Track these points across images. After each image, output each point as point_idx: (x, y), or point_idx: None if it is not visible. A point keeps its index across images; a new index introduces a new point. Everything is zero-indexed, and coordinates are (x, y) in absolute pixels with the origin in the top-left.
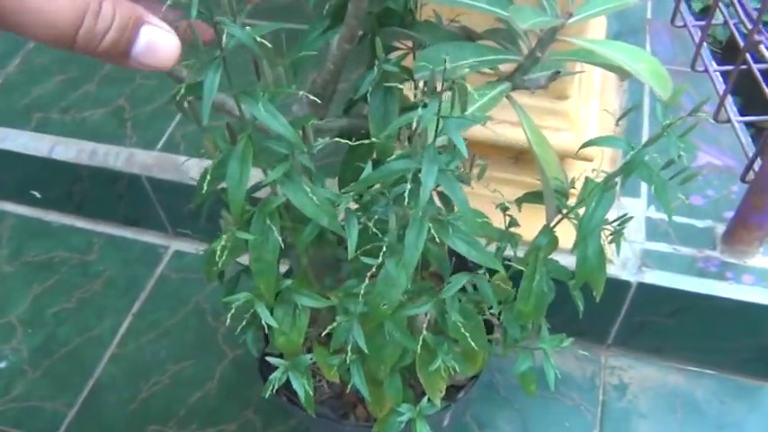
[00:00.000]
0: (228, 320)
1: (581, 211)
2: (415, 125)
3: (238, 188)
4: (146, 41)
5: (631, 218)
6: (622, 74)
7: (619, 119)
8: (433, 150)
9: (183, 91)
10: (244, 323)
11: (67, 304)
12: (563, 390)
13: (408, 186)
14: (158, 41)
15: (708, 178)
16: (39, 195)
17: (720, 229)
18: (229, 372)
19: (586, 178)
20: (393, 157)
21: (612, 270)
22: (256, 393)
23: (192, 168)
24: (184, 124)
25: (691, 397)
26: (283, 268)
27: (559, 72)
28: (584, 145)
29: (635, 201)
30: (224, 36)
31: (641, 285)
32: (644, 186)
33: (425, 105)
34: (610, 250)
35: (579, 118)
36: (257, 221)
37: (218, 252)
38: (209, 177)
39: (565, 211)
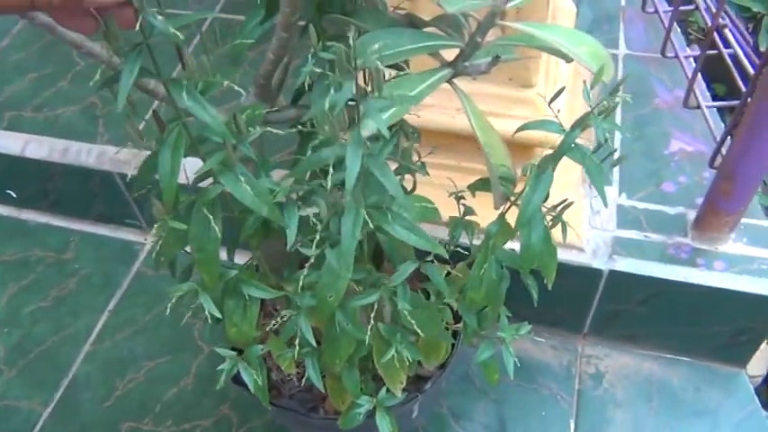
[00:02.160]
0: (168, 310)
1: None
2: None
3: (170, 177)
4: None
5: (572, 203)
6: (564, 57)
7: (551, 101)
8: (358, 135)
9: (98, 78)
10: (188, 311)
11: (43, 303)
12: (540, 379)
13: (330, 172)
14: None
15: (680, 164)
16: (14, 195)
17: (692, 215)
18: (205, 368)
19: (531, 165)
20: (317, 142)
21: (583, 258)
22: (232, 389)
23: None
24: None
25: (666, 384)
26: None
27: (499, 57)
28: (519, 129)
29: (606, 188)
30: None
31: (613, 273)
32: (615, 173)
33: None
34: (573, 235)
35: (546, 106)
36: (197, 211)
37: (151, 240)
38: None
39: (512, 198)
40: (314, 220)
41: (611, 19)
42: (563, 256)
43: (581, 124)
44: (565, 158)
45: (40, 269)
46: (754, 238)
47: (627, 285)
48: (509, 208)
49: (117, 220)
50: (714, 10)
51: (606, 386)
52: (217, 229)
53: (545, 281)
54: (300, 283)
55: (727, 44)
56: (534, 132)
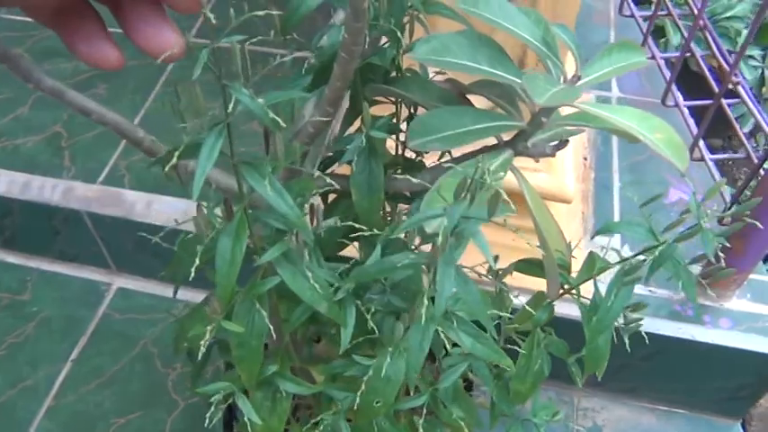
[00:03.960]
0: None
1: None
2: (432, 228)
3: (229, 269)
4: None
5: (646, 306)
6: (633, 140)
7: (643, 204)
8: (450, 257)
9: (176, 157)
10: (212, 407)
11: None
12: None
13: (426, 297)
14: None
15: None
16: None
17: (695, 269)
18: (181, 424)
19: (590, 253)
20: (399, 254)
21: None
22: None
23: (137, 203)
24: (128, 154)
25: None
26: None
27: (567, 141)
28: (602, 230)
29: (608, 239)
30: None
31: (617, 329)
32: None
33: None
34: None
35: (555, 157)
36: (244, 304)
37: (203, 346)
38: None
39: (567, 286)
40: (371, 324)
41: None
42: (569, 310)
43: (685, 239)
44: (564, 207)
45: None
46: (758, 294)
47: (632, 341)
48: (562, 295)
49: (80, 259)
50: (725, 66)
51: None
52: (269, 326)
53: (596, 373)
54: (362, 389)
55: (728, 94)
56: (547, 186)
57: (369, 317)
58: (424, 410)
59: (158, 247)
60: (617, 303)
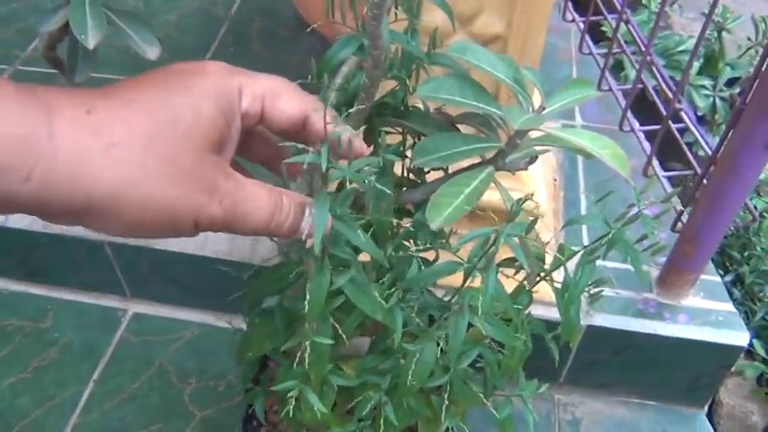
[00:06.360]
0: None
1: (554, 273)
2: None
3: (319, 296)
4: (309, 221)
5: (608, 279)
6: (586, 155)
7: (597, 200)
8: (493, 260)
9: None
10: (251, 391)
11: (24, 374)
12: (520, 428)
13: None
14: None
15: (639, 226)
16: None
17: (655, 272)
18: None
19: (561, 245)
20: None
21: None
22: None
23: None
24: None
25: (636, 427)
26: None
27: (537, 157)
28: (569, 222)
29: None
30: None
31: (590, 327)
32: (585, 237)
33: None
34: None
35: (528, 176)
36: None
37: (306, 358)
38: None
39: (542, 273)
40: (417, 320)
41: None
42: (547, 313)
43: (629, 223)
44: (539, 222)
45: (18, 339)
46: (709, 292)
47: (602, 338)
48: (538, 282)
49: (99, 288)
50: (670, 95)
51: (583, 431)
52: (343, 335)
53: (570, 344)
54: (411, 372)
55: (675, 119)
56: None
57: (414, 315)
58: (448, 388)
59: (172, 274)
60: (583, 278)
